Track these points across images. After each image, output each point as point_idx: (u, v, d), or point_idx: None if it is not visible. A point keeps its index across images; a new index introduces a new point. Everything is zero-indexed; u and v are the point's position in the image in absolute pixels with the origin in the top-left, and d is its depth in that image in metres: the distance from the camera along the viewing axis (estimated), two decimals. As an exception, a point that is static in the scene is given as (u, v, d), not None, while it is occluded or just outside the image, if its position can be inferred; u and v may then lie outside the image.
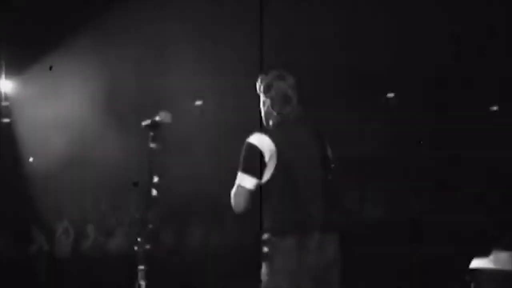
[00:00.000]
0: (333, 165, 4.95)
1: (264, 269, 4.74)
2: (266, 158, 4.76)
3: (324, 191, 4.85)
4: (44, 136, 8.70)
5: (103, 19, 8.48)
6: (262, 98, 4.95)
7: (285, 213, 4.77)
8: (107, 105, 8.71)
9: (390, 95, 9.97)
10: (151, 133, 4.65)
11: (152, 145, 4.64)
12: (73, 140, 8.62)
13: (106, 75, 8.51)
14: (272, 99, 4.90)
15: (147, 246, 4.77)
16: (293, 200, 4.78)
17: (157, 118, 4.63)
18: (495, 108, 9.83)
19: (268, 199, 4.82)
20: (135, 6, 8.21)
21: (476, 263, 5.48)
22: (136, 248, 4.77)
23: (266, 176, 4.81)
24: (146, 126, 4.71)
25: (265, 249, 4.72)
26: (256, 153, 4.78)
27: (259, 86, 4.96)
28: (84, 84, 8.54)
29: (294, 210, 4.77)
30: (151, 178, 4.66)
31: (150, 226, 4.76)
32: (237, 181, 4.81)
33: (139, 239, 4.76)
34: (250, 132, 4.87)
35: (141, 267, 4.74)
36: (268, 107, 4.93)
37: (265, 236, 4.74)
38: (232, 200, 4.82)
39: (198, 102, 9.62)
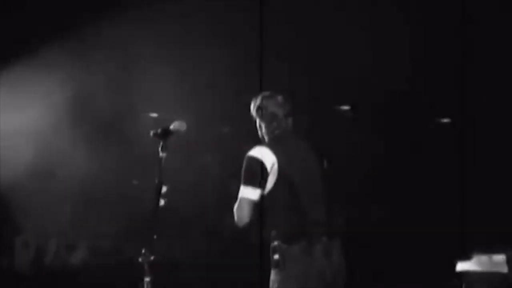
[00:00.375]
0: (329, 175, 5.18)
1: (273, 276, 4.82)
2: (268, 169, 4.86)
3: (324, 199, 5.05)
4: (6, 146, 8.51)
5: (73, 29, 8.39)
6: (257, 120, 5.22)
7: (291, 220, 4.91)
8: (74, 117, 8.58)
9: (346, 107, 10.01)
10: (161, 142, 4.62)
11: (162, 154, 4.60)
12: (37, 152, 8.45)
13: (75, 86, 8.38)
14: (261, 118, 5.14)
15: (152, 258, 4.70)
16: (296, 209, 4.93)
17: (171, 127, 4.60)
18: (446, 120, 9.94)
19: (272, 208, 4.95)
20: (108, 17, 8.14)
21: (462, 266, 5.77)
22: (140, 259, 4.70)
23: (269, 186, 4.89)
24: (156, 134, 4.67)
25: (275, 256, 4.81)
26: (257, 164, 4.91)
27: (252, 108, 5.22)
28: (50, 95, 8.39)
29: (299, 217, 4.92)
30: (160, 188, 4.60)
31: (155, 237, 4.69)
32: (240, 195, 4.88)
33: (143, 250, 4.69)
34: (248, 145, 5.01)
35: (147, 279, 4.66)
36: (260, 126, 5.19)
37: (275, 243, 4.82)
38: (236, 214, 4.90)
39: (154, 114, 9.49)
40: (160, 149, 4.65)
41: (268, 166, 4.95)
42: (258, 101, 5.19)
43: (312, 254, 4.89)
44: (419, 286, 7.62)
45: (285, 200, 4.96)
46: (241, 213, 5.01)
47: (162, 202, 4.65)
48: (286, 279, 4.87)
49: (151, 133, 4.73)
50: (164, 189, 4.62)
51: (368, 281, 7.62)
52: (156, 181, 4.60)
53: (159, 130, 4.68)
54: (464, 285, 5.89)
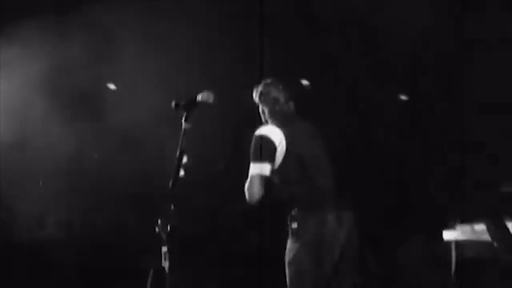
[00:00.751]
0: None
1: (290, 245, 4.97)
2: (276, 144, 4.99)
3: (333, 173, 5.31)
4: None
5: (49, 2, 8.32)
6: (260, 105, 5.45)
7: (304, 191, 5.14)
8: (47, 91, 8.49)
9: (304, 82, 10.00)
10: (185, 113, 4.64)
11: (185, 125, 4.62)
12: (13, 127, 8.35)
13: (53, 61, 8.30)
14: (264, 103, 5.38)
15: (169, 227, 4.72)
16: (308, 181, 5.16)
17: (199, 98, 4.62)
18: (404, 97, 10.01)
19: (285, 181, 5.15)
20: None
21: (447, 235, 6.11)
22: (157, 229, 4.71)
23: (278, 161, 5.01)
24: (178, 105, 4.68)
25: (293, 225, 4.96)
26: (265, 141, 5.03)
27: (255, 95, 5.46)
28: (28, 70, 8.30)
29: (311, 189, 5.15)
30: (181, 158, 4.62)
31: (173, 207, 4.71)
32: (250, 172, 4.99)
33: (159, 221, 4.70)
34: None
35: (164, 248, 4.67)
36: (263, 111, 5.43)
37: (292, 212, 4.95)
38: (247, 192, 4.99)
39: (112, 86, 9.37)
40: (183, 120, 4.68)
41: (276, 141, 5.13)
42: (260, 87, 5.44)
43: (325, 224, 5.09)
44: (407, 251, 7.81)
45: (296, 173, 5.15)
46: (252, 190, 5.11)
47: (182, 172, 4.68)
48: (302, 247, 5.05)
49: (173, 103, 4.76)
50: (185, 159, 4.65)
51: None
52: (178, 151, 4.63)
53: (185, 101, 4.72)
54: (454, 252, 6.20)
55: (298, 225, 5.10)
